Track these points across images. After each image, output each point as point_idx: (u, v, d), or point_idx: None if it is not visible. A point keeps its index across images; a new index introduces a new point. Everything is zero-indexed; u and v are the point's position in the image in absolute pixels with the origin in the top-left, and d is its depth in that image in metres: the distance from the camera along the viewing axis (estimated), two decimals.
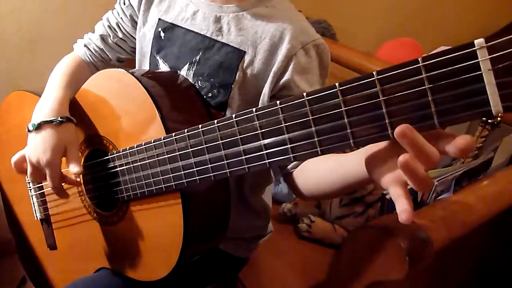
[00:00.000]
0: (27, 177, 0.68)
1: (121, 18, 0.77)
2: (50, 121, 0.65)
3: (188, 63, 0.68)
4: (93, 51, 0.80)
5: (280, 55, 0.63)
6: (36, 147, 0.64)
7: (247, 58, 0.64)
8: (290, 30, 0.63)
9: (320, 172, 0.57)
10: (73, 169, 0.64)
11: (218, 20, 0.66)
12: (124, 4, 0.76)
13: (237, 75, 0.65)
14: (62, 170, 0.66)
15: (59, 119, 0.65)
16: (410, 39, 1.73)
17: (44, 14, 1.20)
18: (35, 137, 0.65)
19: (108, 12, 0.80)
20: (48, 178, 0.65)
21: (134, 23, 0.76)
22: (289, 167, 0.64)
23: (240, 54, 0.64)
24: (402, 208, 0.36)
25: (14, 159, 0.69)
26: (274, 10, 0.66)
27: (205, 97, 0.67)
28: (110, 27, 0.79)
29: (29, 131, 0.66)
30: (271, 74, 0.63)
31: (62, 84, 0.71)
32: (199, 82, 0.67)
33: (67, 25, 1.23)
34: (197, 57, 0.67)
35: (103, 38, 0.79)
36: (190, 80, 0.68)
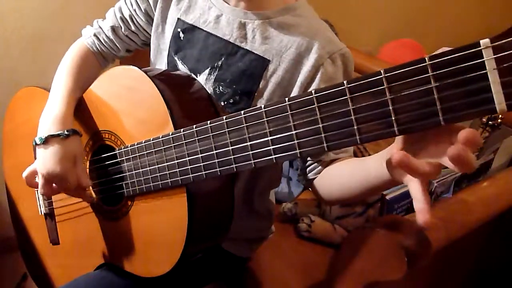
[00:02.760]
0: (38, 191, 0.69)
1: (135, 11, 0.75)
2: (57, 135, 0.65)
3: (209, 68, 0.67)
4: (102, 41, 0.78)
5: (307, 65, 0.63)
6: (46, 161, 0.65)
7: (271, 67, 0.64)
8: (317, 40, 0.63)
9: (344, 176, 0.58)
10: (83, 183, 0.66)
11: (243, 26, 0.65)
12: None
13: (261, 83, 0.64)
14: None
15: (66, 133, 0.66)
16: (412, 39, 1.74)
17: (46, 12, 1.20)
18: (44, 151, 0.66)
19: (121, 2, 0.76)
20: (70, 185, 0.66)
21: (148, 17, 0.75)
22: (312, 172, 0.64)
23: (264, 62, 0.64)
24: (419, 208, 0.37)
25: (25, 173, 0.69)
26: (300, 19, 0.66)
27: (226, 103, 0.66)
28: (122, 18, 0.76)
29: (36, 144, 0.66)
30: (298, 84, 0.63)
31: (68, 90, 0.71)
32: (221, 87, 0.66)
33: (69, 23, 1.23)
34: (219, 62, 0.66)
35: (114, 29, 0.77)
36: (211, 85, 0.67)
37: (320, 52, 0.62)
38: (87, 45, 0.79)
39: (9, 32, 1.18)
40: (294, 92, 0.64)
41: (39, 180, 0.67)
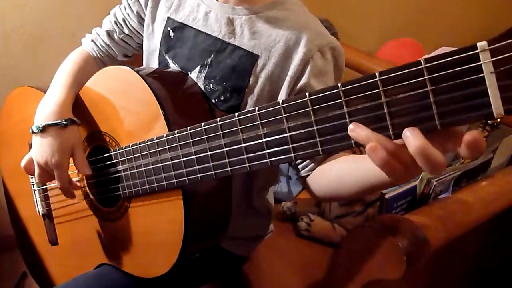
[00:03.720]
0: (35, 179, 0.70)
1: (128, 14, 0.76)
2: (55, 124, 0.66)
3: (199, 65, 0.67)
4: (99, 46, 0.80)
5: (296, 59, 0.62)
6: (43, 150, 0.66)
7: (260, 62, 0.63)
8: (306, 33, 0.62)
9: (341, 174, 0.57)
10: (84, 172, 0.66)
11: (230, 22, 0.65)
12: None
13: (250, 79, 0.64)
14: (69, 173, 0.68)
15: (64, 122, 0.66)
16: (411, 39, 1.73)
17: (46, 11, 1.20)
18: (40, 140, 0.66)
19: (116, 7, 0.79)
20: (57, 179, 0.67)
21: (140, 19, 0.75)
22: (305, 170, 0.64)
23: (253, 58, 0.64)
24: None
25: (23, 163, 0.70)
26: (288, 13, 0.65)
27: (217, 100, 0.66)
28: (116, 22, 0.78)
29: (33, 132, 0.66)
30: (287, 78, 0.63)
31: (67, 84, 0.71)
32: (211, 85, 0.66)
33: (70, 21, 1.23)
34: (209, 60, 0.66)
35: (109, 33, 0.78)
36: (202, 82, 0.67)
37: (309, 45, 0.62)
38: (87, 50, 0.81)
39: (9, 30, 1.18)
40: (284, 86, 0.63)
41: (36, 169, 0.67)
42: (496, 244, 0.98)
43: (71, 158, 0.68)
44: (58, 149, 0.65)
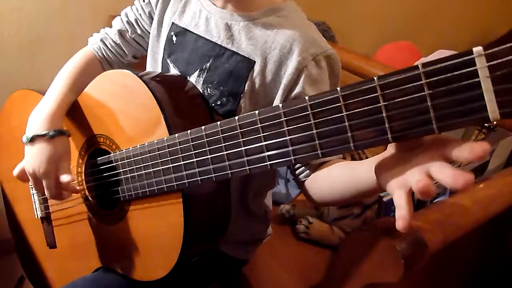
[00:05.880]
0: (33, 195, 0.71)
1: (140, 15, 0.76)
2: (43, 135, 0.66)
3: (198, 70, 0.68)
4: (109, 46, 0.79)
5: (290, 67, 0.62)
6: (31, 160, 0.67)
7: (256, 68, 0.64)
8: (300, 41, 0.62)
9: (333, 180, 0.57)
10: (64, 179, 0.66)
11: (228, 28, 0.66)
12: (144, 1, 0.75)
13: (247, 84, 0.64)
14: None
15: (51, 133, 0.66)
16: (408, 42, 1.74)
17: (43, 15, 1.20)
18: (30, 150, 0.67)
19: (127, 8, 0.79)
20: (45, 188, 0.67)
21: (152, 20, 0.76)
22: (302, 175, 0.64)
23: (250, 63, 0.64)
24: (400, 214, 0.36)
25: (15, 171, 0.71)
26: (285, 20, 0.65)
27: (214, 105, 0.66)
28: (128, 22, 0.78)
29: (23, 142, 0.67)
30: (282, 86, 0.63)
31: (63, 90, 0.71)
32: (209, 89, 0.66)
33: (67, 26, 1.24)
34: (207, 64, 0.67)
35: (121, 33, 0.78)
36: (200, 87, 0.68)
37: (304, 54, 0.62)
38: (92, 50, 0.80)
39: (6, 34, 1.18)
40: (279, 94, 0.63)
41: (29, 178, 0.68)
42: (494, 246, 0.99)
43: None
44: (44, 159, 0.66)
